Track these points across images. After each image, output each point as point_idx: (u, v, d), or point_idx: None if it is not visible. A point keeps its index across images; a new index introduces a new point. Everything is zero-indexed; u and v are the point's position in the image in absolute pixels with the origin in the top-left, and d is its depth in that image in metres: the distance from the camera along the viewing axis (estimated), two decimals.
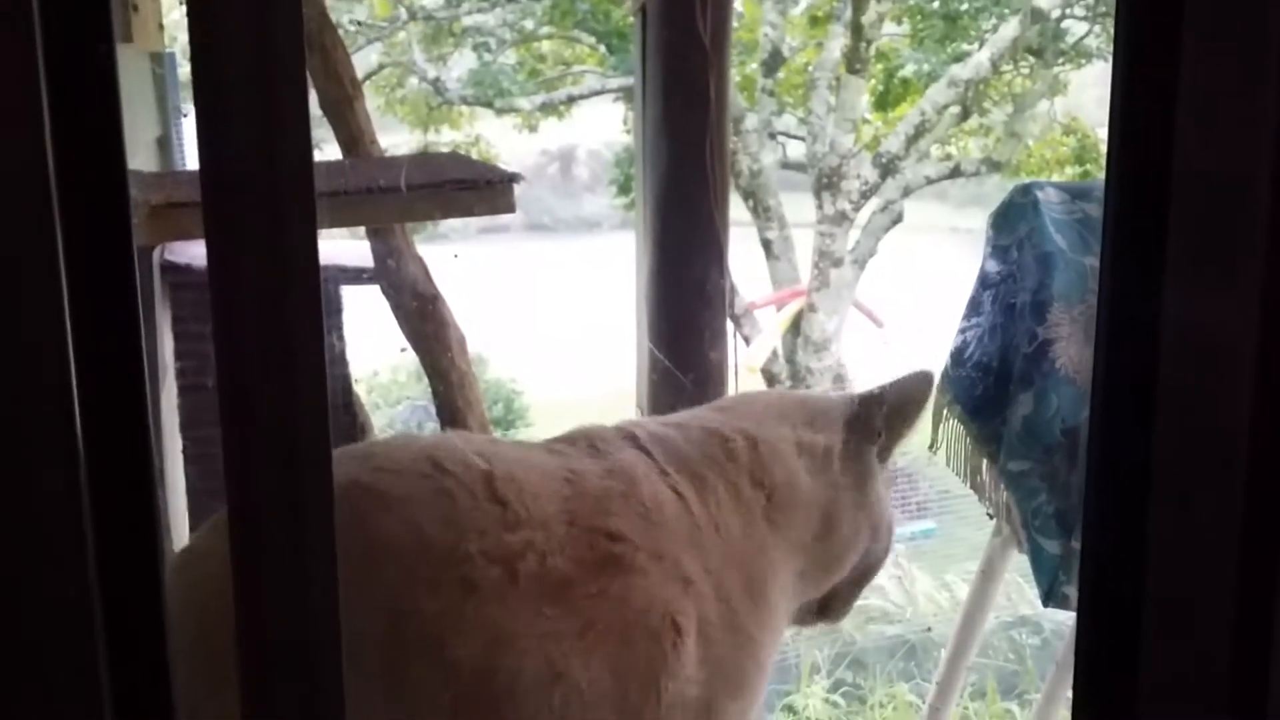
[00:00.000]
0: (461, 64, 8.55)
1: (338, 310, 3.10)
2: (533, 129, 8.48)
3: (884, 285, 7.83)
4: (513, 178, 2.54)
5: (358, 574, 0.95)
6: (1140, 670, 0.66)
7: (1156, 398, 0.63)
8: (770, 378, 6.94)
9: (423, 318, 3.11)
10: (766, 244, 7.40)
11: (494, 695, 0.97)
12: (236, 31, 0.54)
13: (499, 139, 8.70)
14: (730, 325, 2.87)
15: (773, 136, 7.71)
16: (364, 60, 7.97)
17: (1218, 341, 0.61)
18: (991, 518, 1.80)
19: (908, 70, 7.80)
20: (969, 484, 1.77)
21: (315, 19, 2.82)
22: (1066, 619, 2.47)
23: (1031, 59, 7.73)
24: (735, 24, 5.37)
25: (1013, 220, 1.67)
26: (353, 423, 3.13)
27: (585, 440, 1.16)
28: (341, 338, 3.08)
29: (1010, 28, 7.32)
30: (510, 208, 2.55)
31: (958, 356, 1.74)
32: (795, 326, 7.31)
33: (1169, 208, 0.61)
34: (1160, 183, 0.61)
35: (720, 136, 2.58)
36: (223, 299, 0.56)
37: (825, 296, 7.24)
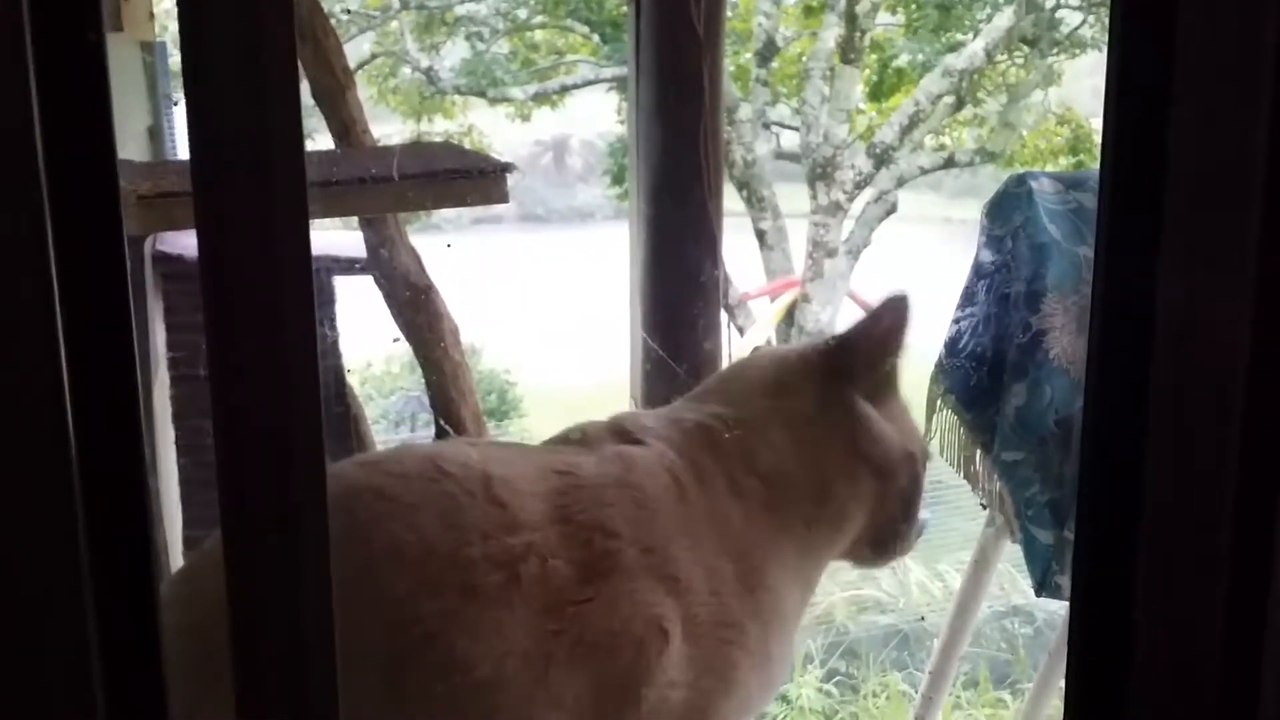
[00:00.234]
0: (454, 53, 8.52)
1: (330, 301, 3.09)
2: (526, 119, 8.46)
3: (878, 276, 7.82)
4: (506, 168, 2.54)
5: (366, 581, 0.95)
6: (1133, 659, 0.66)
7: (1150, 388, 0.63)
8: None
9: (416, 308, 3.10)
10: (760, 234, 7.40)
11: (492, 706, 0.97)
12: (227, 20, 0.53)
13: (492, 129, 8.67)
14: (724, 315, 2.87)
15: (767, 126, 7.70)
16: (356, 49, 7.94)
17: (1212, 333, 0.61)
18: (985, 508, 1.80)
19: (902, 60, 7.80)
20: (962, 474, 1.78)
21: (307, 7, 2.80)
22: (1059, 609, 2.49)
23: (1026, 49, 7.73)
24: (729, 13, 5.36)
25: (1007, 210, 1.67)
26: (345, 414, 3.12)
27: (579, 434, 1.15)
28: (334, 328, 3.07)
29: (1004, 17, 7.32)
30: (503, 198, 2.54)
31: (951, 347, 1.74)
32: (789, 317, 7.32)
33: (1163, 198, 0.61)
34: (1155, 173, 0.61)
35: (714, 126, 2.57)
36: (214, 289, 0.56)
37: (819, 287, 7.24)
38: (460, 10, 8.35)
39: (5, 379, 0.54)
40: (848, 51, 7.32)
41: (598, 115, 9.15)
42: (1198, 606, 0.64)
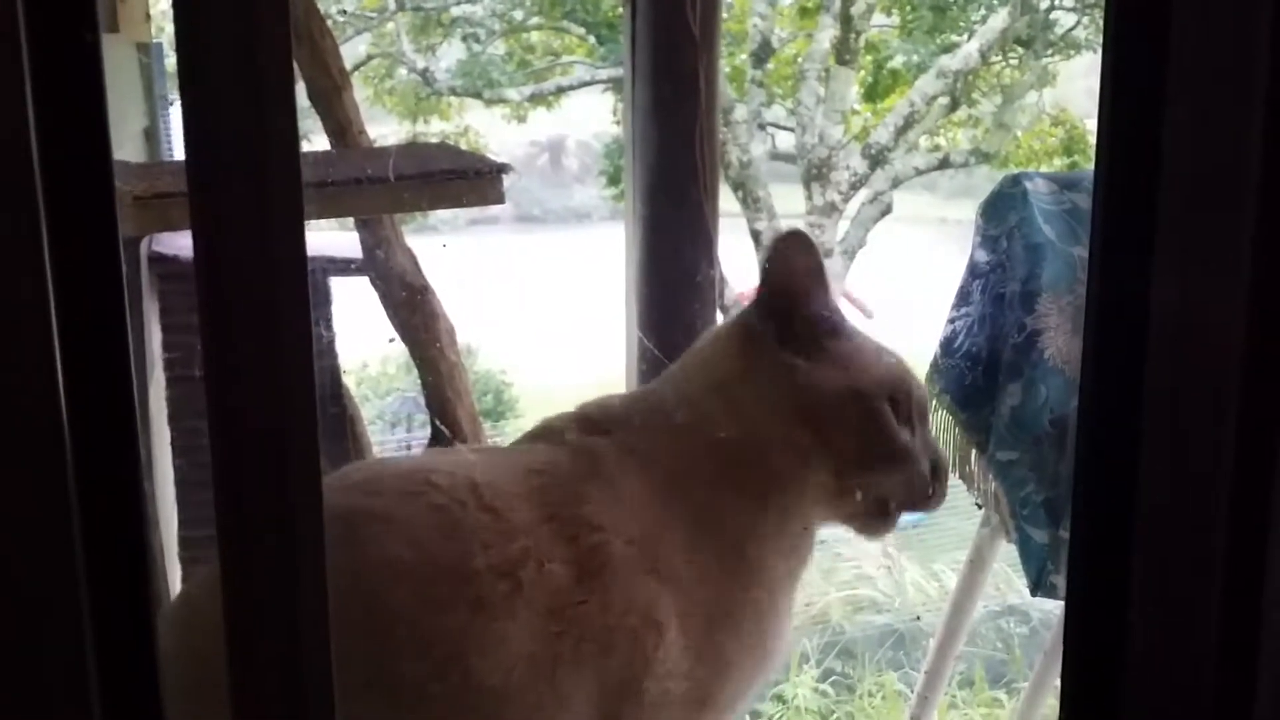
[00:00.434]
0: (450, 54, 8.53)
1: (326, 301, 3.09)
2: (522, 120, 8.47)
3: (873, 276, 7.84)
4: (502, 168, 2.54)
5: (367, 599, 0.95)
6: (1128, 659, 0.66)
7: (1145, 388, 0.63)
8: None
9: (412, 309, 3.10)
10: (756, 235, 7.40)
11: (506, 715, 0.97)
12: (223, 21, 0.53)
13: (488, 130, 8.68)
14: (720, 316, 2.86)
15: (762, 127, 7.71)
16: (352, 50, 7.94)
17: (1206, 333, 0.62)
18: (980, 507, 1.81)
19: (897, 61, 7.81)
20: (958, 474, 1.78)
21: (303, 8, 2.80)
22: (1054, 608, 2.49)
23: (1020, 50, 7.74)
24: (725, 15, 5.37)
25: (1002, 210, 1.67)
26: (341, 414, 3.12)
27: (545, 431, 1.15)
28: (330, 329, 3.06)
29: (999, 19, 7.33)
30: (499, 198, 2.54)
31: (947, 346, 1.74)
32: None
33: (1158, 198, 0.61)
34: (1149, 173, 0.61)
35: (710, 127, 2.57)
36: (210, 290, 0.56)
37: None
38: (456, 11, 8.36)
39: (1, 380, 0.54)
40: (843, 53, 7.33)
41: (593, 116, 9.15)
42: (1193, 606, 0.64)
